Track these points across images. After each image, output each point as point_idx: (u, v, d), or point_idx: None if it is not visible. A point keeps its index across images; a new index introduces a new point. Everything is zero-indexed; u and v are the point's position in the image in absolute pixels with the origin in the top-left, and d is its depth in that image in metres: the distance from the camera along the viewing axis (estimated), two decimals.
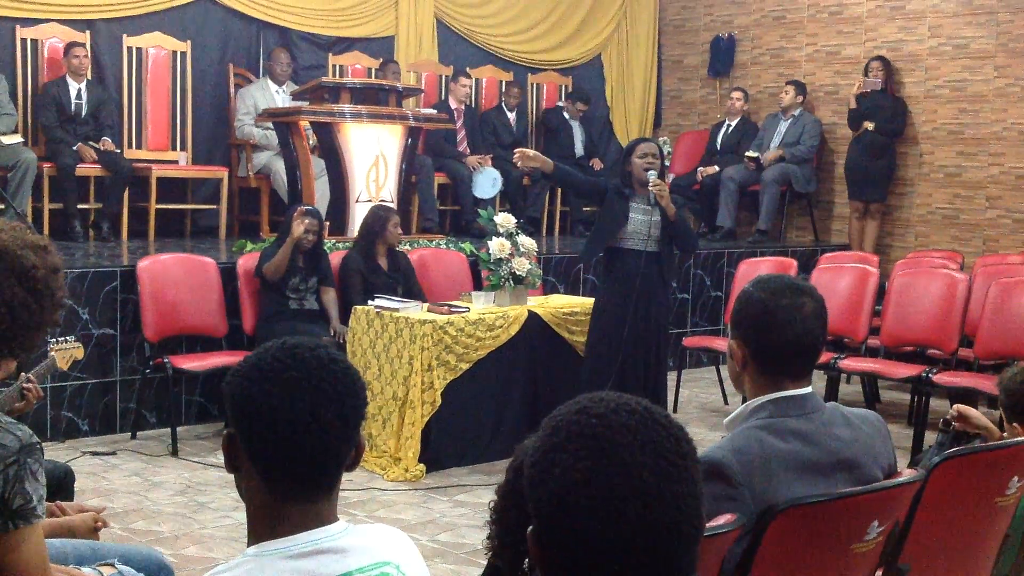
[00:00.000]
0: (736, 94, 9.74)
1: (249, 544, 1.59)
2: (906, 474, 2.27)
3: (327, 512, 1.60)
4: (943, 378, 5.88)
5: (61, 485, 3.14)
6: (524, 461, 1.28)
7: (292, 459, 1.55)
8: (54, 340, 3.51)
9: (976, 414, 2.92)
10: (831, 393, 6.23)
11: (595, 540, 1.19)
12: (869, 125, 8.94)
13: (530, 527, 1.26)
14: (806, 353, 2.19)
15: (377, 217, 6.29)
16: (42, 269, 2.08)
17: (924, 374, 5.94)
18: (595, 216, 5.71)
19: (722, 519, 1.93)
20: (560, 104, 9.89)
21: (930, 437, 5.73)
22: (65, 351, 3.48)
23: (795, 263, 7.30)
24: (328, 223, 6.77)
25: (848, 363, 6.26)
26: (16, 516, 1.97)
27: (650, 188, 5.20)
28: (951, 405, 6.39)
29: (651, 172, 5.21)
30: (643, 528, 1.19)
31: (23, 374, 3.08)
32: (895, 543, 2.28)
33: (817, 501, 2.02)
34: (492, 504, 1.99)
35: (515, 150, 5.59)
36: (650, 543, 1.19)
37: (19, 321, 2.05)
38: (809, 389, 2.21)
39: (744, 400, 2.27)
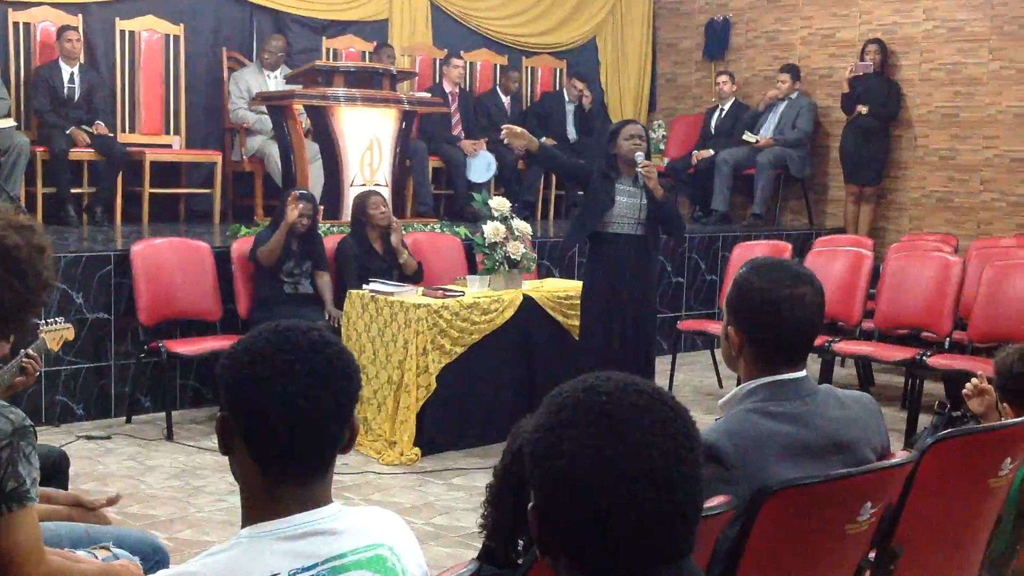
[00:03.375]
0: (723, 78, 9.71)
1: (243, 526, 1.59)
2: (899, 455, 2.28)
3: (321, 494, 1.61)
4: (937, 361, 5.89)
5: (56, 469, 3.13)
6: (525, 439, 1.28)
7: (285, 441, 1.55)
8: (44, 322, 3.50)
9: (989, 390, 2.93)
10: (825, 376, 6.24)
11: (600, 518, 1.19)
12: (863, 109, 8.93)
13: (531, 504, 1.27)
14: (804, 340, 2.20)
15: (358, 204, 6.29)
16: (25, 249, 2.08)
17: (918, 357, 5.95)
18: (579, 200, 5.66)
19: (715, 501, 1.93)
20: (563, 88, 9.86)
21: (924, 420, 5.76)
22: (56, 332, 3.47)
23: (790, 247, 7.30)
24: (322, 207, 6.75)
25: (842, 346, 6.27)
26: (10, 499, 1.98)
27: (639, 169, 5.18)
28: (944, 388, 6.42)
29: (639, 154, 5.20)
30: (649, 508, 1.19)
31: (21, 351, 3.08)
32: (888, 524, 2.29)
33: (810, 483, 2.02)
34: (488, 486, 1.99)
35: (503, 126, 5.55)
36: (654, 523, 1.20)
37: (2, 301, 2.05)
38: (803, 373, 2.21)
39: (739, 381, 2.27)
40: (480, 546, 2.03)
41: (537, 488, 1.25)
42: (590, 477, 1.19)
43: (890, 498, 2.23)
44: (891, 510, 2.27)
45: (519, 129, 5.49)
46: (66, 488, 3.15)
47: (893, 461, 2.23)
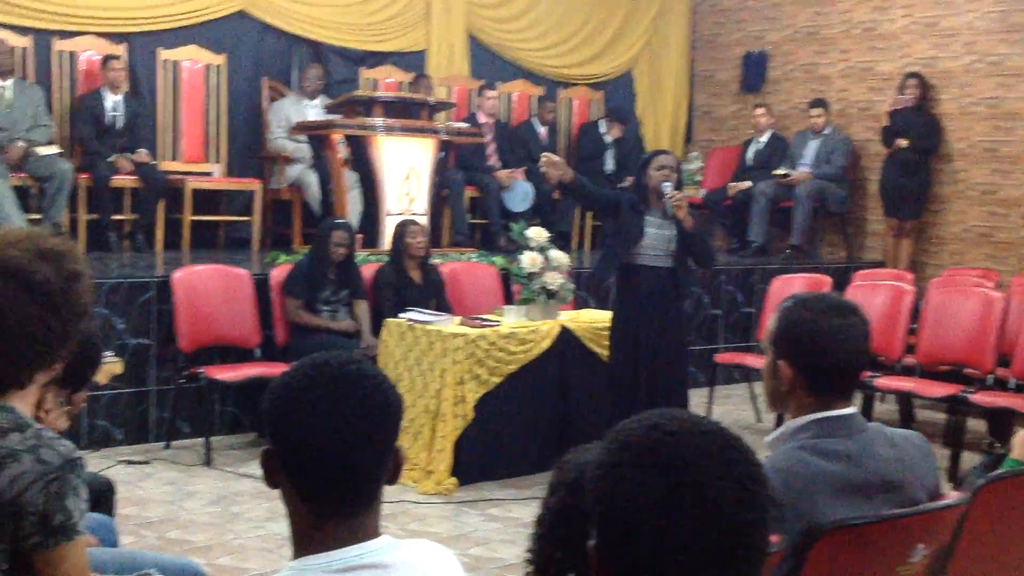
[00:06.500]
0: (759, 110, 9.68)
1: (294, 558, 1.59)
2: (951, 496, 2.24)
3: (369, 527, 1.60)
4: (980, 398, 5.81)
5: (101, 498, 3.14)
6: (585, 475, 1.27)
7: (326, 476, 1.55)
8: None
9: None
10: (866, 412, 6.17)
11: (662, 560, 1.18)
12: (903, 142, 8.87)
13: (591, 541, 1.25)
14: (855, 372, 2.19)
15: (397, 233, 6.32)
16: (56, 281, 2.00)
17: (960, 394, 5.86)
18: (609, 231, 5.59)
19: None
20: (599, 120, 9.86)
21: (967, 457, 5.68)
22: (104, 365, 3.48)
23: (829, 280, 7.24)
24: (361, 236, 6.79)
25: (884, 382, 6.20)
26: (57, 533, 1.94)
27: (666, 199, 5.14)
28: (988, 426, 6.31)
29: (666, 184, 5.16)
30: (715, 552, 1.18)
31: None
32: (940, 566, 2.25)
33: (861, 523, 2.00)
34: (538, 518, 1.97)
35: (542, 154, 5.52)
36: (719, 567, 1.19)
37: (38, 339, 1.99)
38: (853, 409, 2.19)
39: (781, 417, 2.25)
40: None
41: (599, 525, 1.23)
42: (653, 518, 1.18)
43: (942, 540, 2.20)
44: (943, 552, 2.24)
45: (557, 159, 5.45)
46: (112, 515, 3.15)
47: (945, 502, 2.20)
